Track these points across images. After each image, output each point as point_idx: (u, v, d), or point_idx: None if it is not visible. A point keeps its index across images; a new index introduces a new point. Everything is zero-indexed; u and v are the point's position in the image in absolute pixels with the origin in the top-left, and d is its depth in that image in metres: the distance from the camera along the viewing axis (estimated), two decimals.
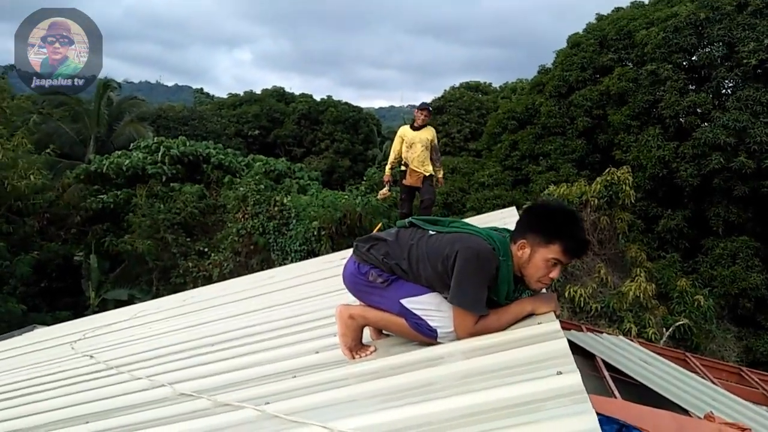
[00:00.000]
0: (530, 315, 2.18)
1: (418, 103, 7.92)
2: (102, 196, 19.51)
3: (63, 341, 5.70)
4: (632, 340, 5.28)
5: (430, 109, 8.16)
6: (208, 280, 14.53)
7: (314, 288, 5.00)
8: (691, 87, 17.25)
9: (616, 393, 3.55)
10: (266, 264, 14.44)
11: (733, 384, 4.63)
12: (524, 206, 2.32)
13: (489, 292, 2.11)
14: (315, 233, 14.20)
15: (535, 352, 1.83)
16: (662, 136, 16.62)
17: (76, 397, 2.98)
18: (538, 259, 2.08)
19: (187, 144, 21.68)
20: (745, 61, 15.61)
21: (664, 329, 11.59)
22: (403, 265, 2.23)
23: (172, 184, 19.96)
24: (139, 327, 5.63)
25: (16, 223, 17.96)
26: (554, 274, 2.10)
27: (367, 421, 1.62)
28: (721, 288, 14.27)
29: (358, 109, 40.76)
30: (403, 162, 7.79)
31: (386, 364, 2.17)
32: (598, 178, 12.88)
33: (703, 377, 4.43)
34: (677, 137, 16.52)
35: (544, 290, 2.29)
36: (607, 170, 12.87)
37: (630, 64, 18.82)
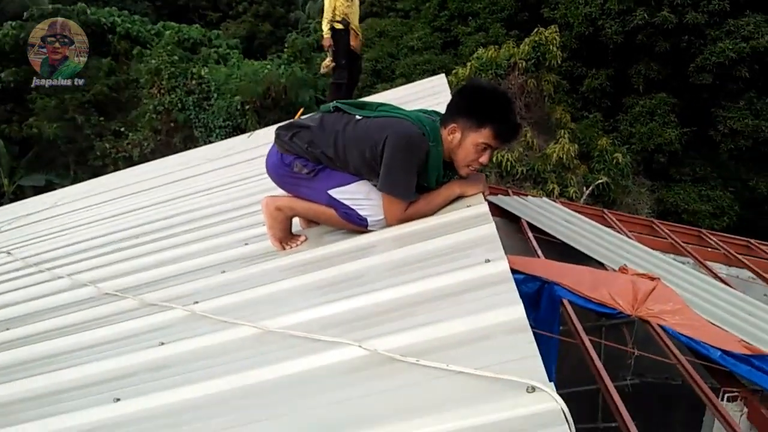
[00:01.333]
0: (460, 197, 2.18)
1: None
2: None
3: None
4: (555, 201, 5.51)
5: None
6: (129, 161, 13.86)
7: (242, 170, 4.83)
8: None
9: (540, 253, 3.75)
10: (190, 142, 13.86)
11: (645, 236, 4.95)
12: (456, 88, 2.20)
13: (419, 178, 2.07)
14: (239, 108, 13.57)
15: (464, 239, 1.83)
16: None
17: None
18: (468, 144, 2.02)
19: (89, 12, 19.51)
20: None
21: (585, 188, 12.25)
22: (329, 153, 2.12)
23: None
24: (59, 218, 5.36)
25: None
26: (484, 159, 2.06)
27: (299, 318, 1.61)
28: (639, 144, 14.98)
29: None
30: (340, 19, 6.67)
31: (317, 255, 2.15)
32: (526, 39, 12.75)
33: (618, 232, 4.72)
34: None
35: None
36: (535, 30, 12.72)
37: None
